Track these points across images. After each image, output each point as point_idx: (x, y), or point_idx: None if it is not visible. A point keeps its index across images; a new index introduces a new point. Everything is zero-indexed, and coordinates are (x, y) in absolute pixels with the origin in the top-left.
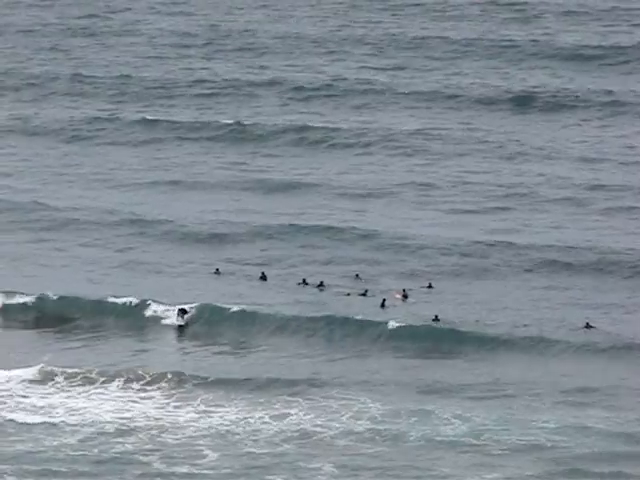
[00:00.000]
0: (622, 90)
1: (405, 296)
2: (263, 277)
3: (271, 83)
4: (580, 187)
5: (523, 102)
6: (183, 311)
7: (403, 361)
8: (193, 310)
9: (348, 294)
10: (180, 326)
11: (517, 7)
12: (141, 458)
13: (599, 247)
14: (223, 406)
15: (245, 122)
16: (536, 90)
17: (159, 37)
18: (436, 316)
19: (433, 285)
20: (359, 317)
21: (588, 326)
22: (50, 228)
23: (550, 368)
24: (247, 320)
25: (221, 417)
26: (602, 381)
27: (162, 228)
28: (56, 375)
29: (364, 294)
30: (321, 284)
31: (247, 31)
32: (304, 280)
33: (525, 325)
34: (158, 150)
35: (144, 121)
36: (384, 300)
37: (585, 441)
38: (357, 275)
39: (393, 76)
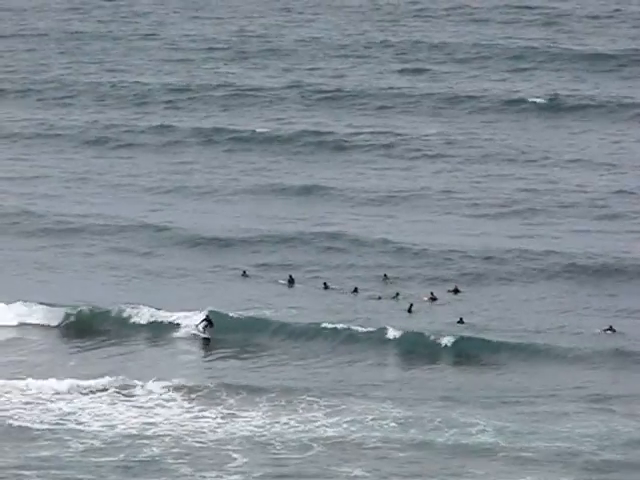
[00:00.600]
0: None
1: (433, 299)
2: (291, 280)
3: (291, 86)
4: (602, 192)
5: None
6: (209, 322)
7: (425, 367)
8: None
9: (379, 298)
10: (205, 338)
11: (542, 11)
12: (170, 462)
13: (621, 253)
14: (247, 411)
15: (267, 127)
16: (562, 94)
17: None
18: (461, 319)
19: (460, 289)
20: (383, 323)
21: (611, 329)
22: (71, 234)
23: (576, 374)
24: (271, 326)
25: (247, 422)
26: (628, 387)
27: (185, 234)
28: (83, 384)
29: (395, 297)
30: (355, 290)
31: (265, 35)
32: (325, 284)
33: (549, 330)
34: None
35: (164, 126)
36: (411, 305)
37: (615, 448)
38: (385, 275)
39: (415, 80)
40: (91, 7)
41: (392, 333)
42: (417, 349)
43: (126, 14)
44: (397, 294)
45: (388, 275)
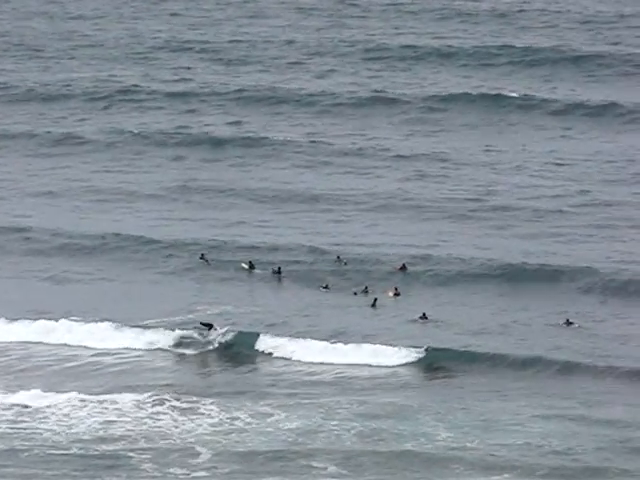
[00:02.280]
0: None
1: (397, 294)
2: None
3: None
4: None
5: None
6: (209, 326)
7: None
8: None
9: (355, 293)
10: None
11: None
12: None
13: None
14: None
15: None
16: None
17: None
18: (424, 314)
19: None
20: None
21: (568, 322)
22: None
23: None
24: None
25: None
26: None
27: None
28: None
29: (365, 291)
30: (326, 286)
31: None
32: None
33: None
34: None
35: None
36: (375, 300)
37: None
38: (338, 257)
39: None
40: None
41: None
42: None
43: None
44: (366, 287)
45: (340, 257)
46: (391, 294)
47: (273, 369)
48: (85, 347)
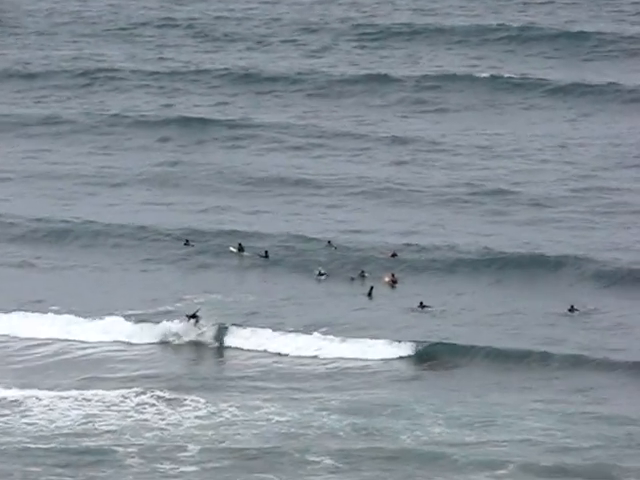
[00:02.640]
0: None
1: (394, 281)
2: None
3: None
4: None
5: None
6: (194, 317)
7: None
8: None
9: (352, 279)
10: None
11: None
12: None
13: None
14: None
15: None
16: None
17: None
18: (421, 303)
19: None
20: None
21: (572, 309)
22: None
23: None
24: None
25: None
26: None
27: None
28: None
29: (362, 275)
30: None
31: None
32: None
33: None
34: None
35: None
36: (371, 288)
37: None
38: (329, 242)
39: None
40: None
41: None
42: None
43: None
44: (362, 272)
45: (331, 242)
46: (387, 279)
47: (262, 361)
48: (59, 340)
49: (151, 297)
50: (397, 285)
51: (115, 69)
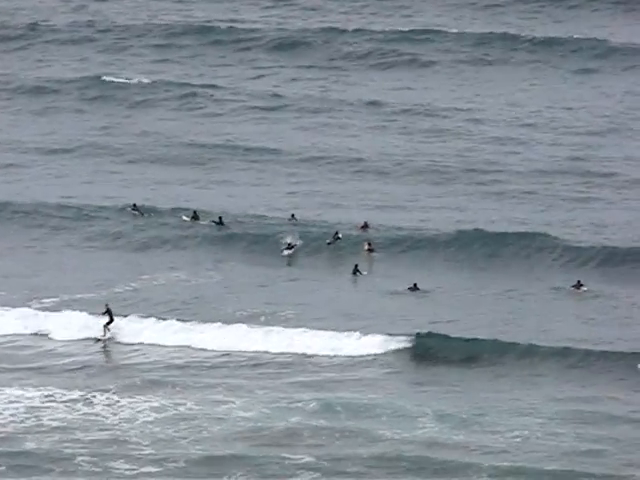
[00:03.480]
0: None
1: (371, 249)
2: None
3: None
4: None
5: None
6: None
7: None
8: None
9: (329, 243)
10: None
11: None
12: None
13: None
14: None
15: None
16: None
17: None
18: (415, 285)
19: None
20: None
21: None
22: None
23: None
24: None
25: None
26: None
27: None
28: None
29: (338, 237)
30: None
31: None
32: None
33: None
34: None
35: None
36: (356, 267)
37: None
38: (292, 215)
39: None
40: None
41: None
42: None
43: None
44: (337, 233)
45: (295, 215)
46: (366, 247)
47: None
48: None
49: (95, 280)
50: (374, 254)
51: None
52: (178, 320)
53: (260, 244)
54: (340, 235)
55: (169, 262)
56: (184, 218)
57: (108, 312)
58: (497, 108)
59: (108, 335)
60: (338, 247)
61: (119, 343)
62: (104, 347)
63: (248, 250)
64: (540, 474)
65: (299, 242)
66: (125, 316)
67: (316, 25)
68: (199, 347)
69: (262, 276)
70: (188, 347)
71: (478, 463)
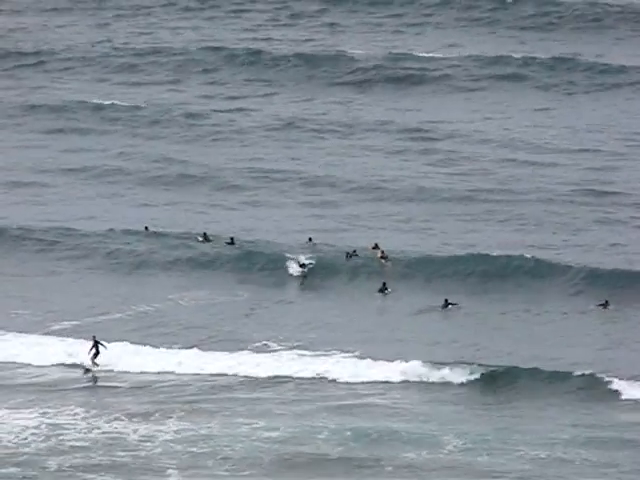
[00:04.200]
0: None
1: (385, 257)
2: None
3: None
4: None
5: None
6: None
7: None
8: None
9: (348, 256)
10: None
11: None
12: None
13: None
14: None
15: None
16: None
17: None
18: (446, 300)
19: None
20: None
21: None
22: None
23: None
24: None
25: None
26: None
27: None
28: None
29: (355, 254)
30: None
31: None
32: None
33: None
34: None
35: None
36: (384, 284)
37: None
38: (310, 239)
39: None
40: None
41: None
42: None
43: None
44: (354, 251)
45: (312, 239)
46: (378, 255)
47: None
48: None
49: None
50: (389, 261)
51: None
52: (195, 347)
53: (277, 266)
54: (357, 253)
55: (192, 284)
56: (198, 239)
57: (95, 345)
58: (520, 129)
59: (96, 368)
60: (356, 266)
61: (127, 372)
62: (93, 378)
63: (263, 275)
64: None
65: (311, 262)
66: (144, 345)
67: (332, 47)
68: (215, 372)
69: (281, 296)
70: (202, 373)
71: None
